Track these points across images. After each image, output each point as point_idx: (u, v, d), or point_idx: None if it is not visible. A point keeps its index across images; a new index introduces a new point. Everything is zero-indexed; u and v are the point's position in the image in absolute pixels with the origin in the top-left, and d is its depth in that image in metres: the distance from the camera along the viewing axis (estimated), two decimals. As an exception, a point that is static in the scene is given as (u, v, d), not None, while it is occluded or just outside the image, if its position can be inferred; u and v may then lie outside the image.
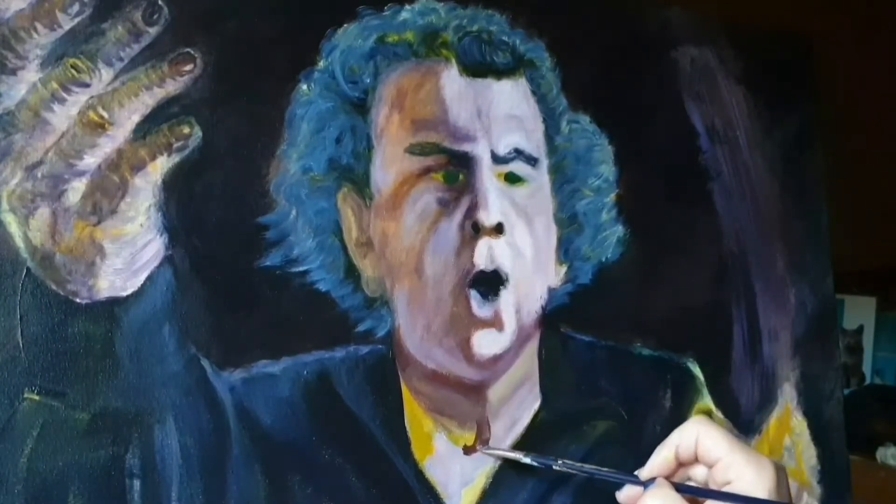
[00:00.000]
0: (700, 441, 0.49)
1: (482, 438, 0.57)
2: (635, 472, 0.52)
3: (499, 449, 0.57)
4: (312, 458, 0.52)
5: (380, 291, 0.55)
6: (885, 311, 1.40)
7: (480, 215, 0.56)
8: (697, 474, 0.51)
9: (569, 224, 0.61)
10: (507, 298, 0.57)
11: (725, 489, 0.48)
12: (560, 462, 0.54)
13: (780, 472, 0.48)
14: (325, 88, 0.54)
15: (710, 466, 0.49)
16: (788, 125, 0.73)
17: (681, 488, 0.49)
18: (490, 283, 0.56)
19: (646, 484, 0.50)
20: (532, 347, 0.59)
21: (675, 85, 0.68)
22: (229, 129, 0.51)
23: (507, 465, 0.58)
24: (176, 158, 0.50)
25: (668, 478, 0.51)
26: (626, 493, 0.52)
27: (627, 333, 0.63)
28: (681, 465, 0.51)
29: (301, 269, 0.53)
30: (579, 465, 0.54)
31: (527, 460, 0.55)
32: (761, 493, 0.47)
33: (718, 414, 0.65)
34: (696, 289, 0.67)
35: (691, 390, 0.65)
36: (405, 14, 0.57)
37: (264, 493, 0.51)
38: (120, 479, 0.47)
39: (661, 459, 0.51)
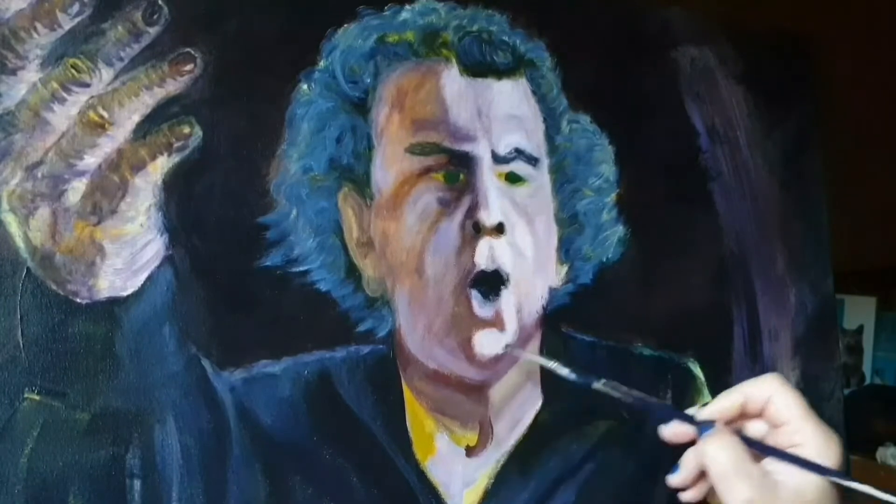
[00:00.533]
0: (774, 398, 0.47)
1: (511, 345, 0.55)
2: (688, 411, 0.49)
3: (534, 355, 0.55)
4: (313, 458, 0.52)
5: (380, 291, 0.55)
6: (885, 311, 1.40)
7: (481, 215, 0.55)
8: (755, 430, 0.49)
9: (569, 224, 0.61)
10: (507, 298, 0.57)
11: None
12: (603, 381, 0.51)
13: (845, 452, 0.47)
14: (325, 88, 0.54)
15: (775, 426, 0.48)
16: (788, 125, 0.73)
17: (744, 440, 0.47)
18: (491, 282, 0.56)
19: (701, 425, 0.48)
20: (533, 347, 0.59)
21: (675, 85, 0.68)
22: (229, 129, 0.51)
23: (509, 466, 0.58)
24: (176, 158, 0.50)
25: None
26: (674, 429, 0.49)
27: (628, 333, 0.63)
28: (741, 416, 0.49)
29: (301, 269, 0.53)
30: (625, 388, 0.51)
31: (564, 371, 0.52)
32: (827, 463, 0.45)
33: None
34: (697, 289, 0.67)
35: (692, 390, 0.65)
36: (405, 14, 0.57)
37: (264, 493, 0.50)
38: (120, 479, 0.47)
39: (727, 404, 0.49)
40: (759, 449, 0.47)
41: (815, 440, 0.46)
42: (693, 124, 0.68)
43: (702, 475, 0.48)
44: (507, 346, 0.56)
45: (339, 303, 0.54)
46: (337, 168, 0.54)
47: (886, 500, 0.45)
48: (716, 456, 0.46)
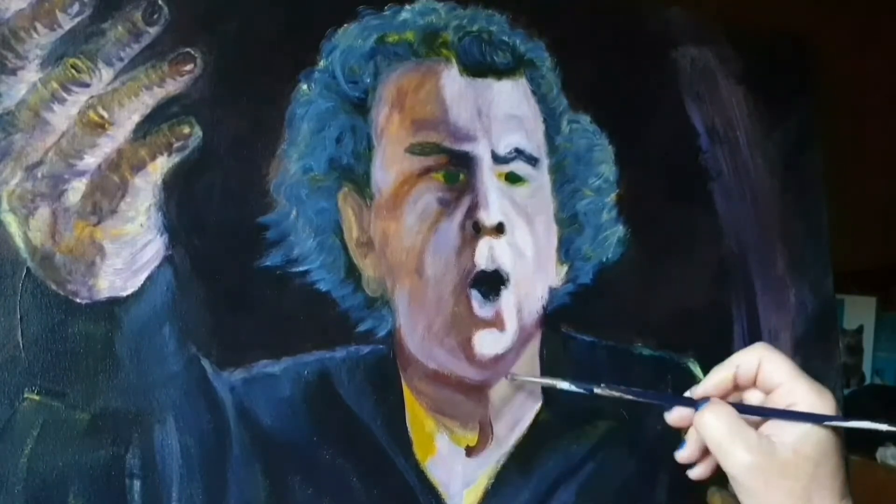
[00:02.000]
0: (763, 364, 0.49)
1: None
2: (686, 394, 0.51)
3: (530, 376, 0.56)
4: (313, 458, 0.52)
5: (380, 291, 0.55)
6: (885, 311, 1.40)
7: (481, 215, 0.55)
8: (750, 400, 0.50)
9: (569, 224, 0.61)
10: (508, 298, 0.57)
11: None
12: (602, 386, 0.52)
13: (838, 405, 0.48)
14: (325, 88, 0.54)
15: (767, 392, 0.49)
16: (788, 125, 0.73)
17: (737, 408, 0.48)
18: (491, 282, 0.56)
19: (697, 404, 0.49)
20: (533, 347, 0.59)
21: (675, 85, 0.68)
22: (229, 129, 0.51)
23: (509, 466, 0.58)
24: (176, 158, 0.49)
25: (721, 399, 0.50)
26: (677, 413, 0.51)
27: (628, 333, 0.63)
28: (735, 388, 0.50)
29: (301, 268, 0.53)
30: (624, 387, 0.52)
31: (564, 384, 0.53)
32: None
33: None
34: (697, 289, 0.67)
35: (692, 390, 0.65)
36: (405, 14, 0.57)
37: (264, 493, 0.50)
38: (120, 479, 0.47)
39: (718, 379, 0.50)
40: (752, 412, 0.48)
41: (808, 397, 0.47)
42: (693, 124, 0.68)
43: (706, 451, 0.50)
44: (510, 375, 0.57)
45: (339, 303, 0.54)
46: (337, 168, 0.54)
47: (886, 430, 0.48)
48: (710, 425, 0.47)
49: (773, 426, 0.48)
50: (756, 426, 0.48)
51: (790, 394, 0.48)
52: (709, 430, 0.48)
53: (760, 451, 0.46)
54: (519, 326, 0.57)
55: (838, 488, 0.46)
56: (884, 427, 0.49)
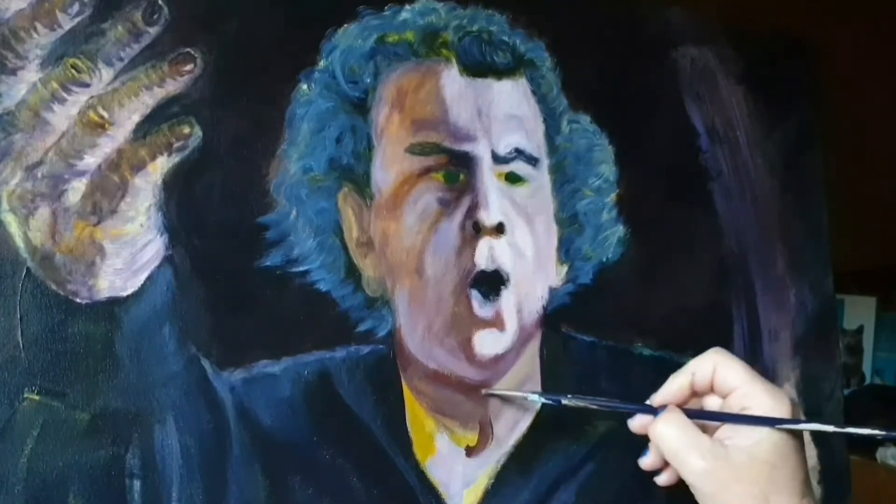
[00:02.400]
0: (718, 370, 0.49)
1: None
2: (647, 401, 0.51)
3: (503, 390, 0.57)
4: (313, 458, 0.52)
5: (380, 291, 0.55)
6: (885, 311, 1.40)
7: (481, 215, 0.55)
8: (710, 405, 0.51)
9: (569, 224, 0.61)
10: (508, 298, 0.57)
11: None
12: (569, 397, 0.54)
13: (795, 407, 0.48)
14: (325, 88, 0.54)
15: (724, 396, 0.49)
16: (788, 125, 0.73)
17: (692, 414, 0.49)
18: (491, 282, 0.56)
19: (657, 411, 0.50)
20: (533, 347, 0.59)
21: (675, 85, 0.68)
22: (229, 129, 0.51)
23: (509, 466, 0.58)
24: (176, 158, 0.50)
25: (680, 406, 0.50)
26: (638, 421, 0.52)
27: (628, 333, 0.63)
28: (694, 394, 0.50)
29: (301, 269, 0.53)
30: (589, 398, 0.54)
31: (534, 397, 0.55)
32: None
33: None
34: (697, 289, 0.67)
35: (692, 390, 0.65)
36: (405, 14, 0.57)
37: (264, 493, 0.50)
38: (120, 479, 0.47)
39: (675, 386, 0.51)
40: (706, 418, 0.49)
41: (763, 399, 0.48)
42: (693, 124, 0.68)
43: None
44: (483, 391, 0.57)
45: (339, 303, 0.54)
46: (337, 168, 0.54)
47: (833, 431, 0.49)
48: (663, 433, 0.48)
49: (729, 430, 0.48)
50: (713, 431, 0.49)
51: (745, 397, 0.48)
52: (663, 440, 0.49)
53: (714, 456, 0.46)
54: (519, 326, 0.57)
55: (798, 488, 0.47)
56: (830, 429, 0.50)
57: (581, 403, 0.54)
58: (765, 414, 0.47)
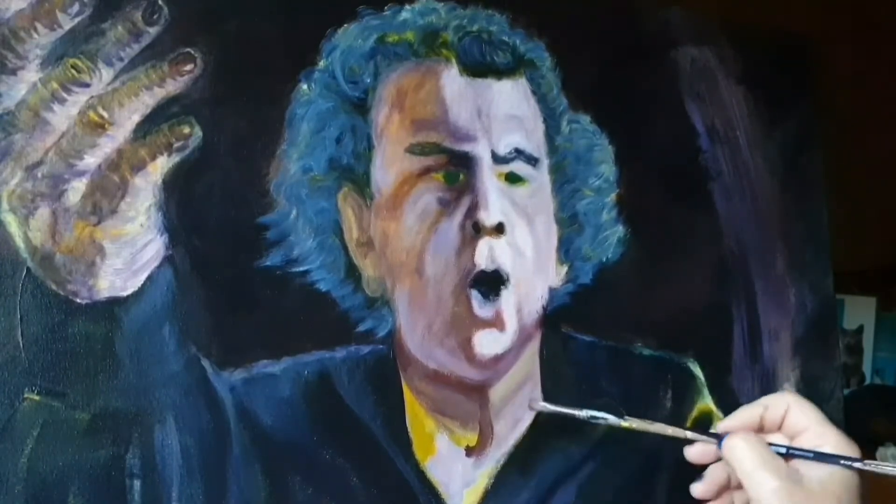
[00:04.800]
0: (791, 409, 0.50)
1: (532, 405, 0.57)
2: (711, 430, 0.51)
3: (556, 406, 0.55)
4: (313, 458, 0.52)
5: (380, 291, 0.55)
6: (885, 311, 1.40)
7: (481, 215, 0.55)
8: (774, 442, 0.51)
9: (569, 224, 0.61)
10: (507, 298, 0.57)
11: None
12: (627, 418, 0.52)
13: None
14: (325, 88, 0.54)
15: (791, 436, 0.50)
16: (788, 125, 0.73)
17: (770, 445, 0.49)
18: (491, 282, 0.56)
19: (721, 439, 0.50)
20: (533, 347, 0.59)
21: (675, 85, 0.68)
22: (229, 129, 0.51)
23: (509, 466, 0.58)
24: (176, 158, 0.50)
25: None
26: (697, 449, 0.52)
27: (628, 333, 0.63)
28: (760, 429, 0.51)
29: (301, 269, 0.53)
30: (648, 422, 0.53)
31: (591, 414, 0.53)
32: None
33: (719, 414, 0.65)
34: (697, 289, 0.67)
35: (692, 390, 0.65)
36: (405, 14, 0.57)
37: (264, 493, 0.50)
38: (120, 479, 0.47)
39: (746, 416, 0.51)
40: (783, 452, 0.49)
41: (837, 441, 0.48)
42: (693, 124, 0.68)
43: (723, 488, 0.51)
44: (534, 402, 0.57)
45: (339, 303, 0.54)
46: (337, 168, 0.54)
47: None
48: (741, 450, 0.49)
49: (799, 464, 0.49)
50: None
51: (818, 438, 0.49)
52: (738, 454, 0.48)
53: (789, 478, 0.47)
54: (519, 326, 0.57)
55: None
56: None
57: (642, 426, 0.52)
58: (838, 453, 0.48)
